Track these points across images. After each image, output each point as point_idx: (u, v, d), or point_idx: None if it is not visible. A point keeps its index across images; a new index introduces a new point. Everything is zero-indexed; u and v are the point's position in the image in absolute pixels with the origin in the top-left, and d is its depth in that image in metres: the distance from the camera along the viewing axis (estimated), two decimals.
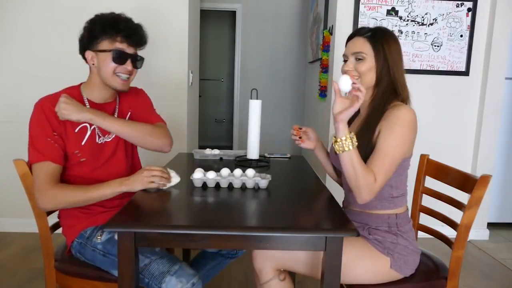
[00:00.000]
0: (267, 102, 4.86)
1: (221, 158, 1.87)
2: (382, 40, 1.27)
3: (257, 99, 1.73)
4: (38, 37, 2.65)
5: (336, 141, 1.18)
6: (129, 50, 1.40)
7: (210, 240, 1.04)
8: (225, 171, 1.38)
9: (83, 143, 1.38)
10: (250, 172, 1.37)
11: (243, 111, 5.28)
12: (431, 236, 1.50)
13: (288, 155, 1.99)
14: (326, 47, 3.00)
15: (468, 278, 2.33)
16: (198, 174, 1.34)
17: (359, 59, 1.28)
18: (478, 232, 2.92)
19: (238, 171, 1.37)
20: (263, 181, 1.34)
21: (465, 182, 1.35)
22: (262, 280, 1.34)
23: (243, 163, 1.74)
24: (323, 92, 3.10)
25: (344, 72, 1.31)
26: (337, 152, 1.18)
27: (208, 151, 1.88)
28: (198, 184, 1.35)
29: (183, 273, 1.19)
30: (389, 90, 1.29)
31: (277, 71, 5.20)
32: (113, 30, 1.35)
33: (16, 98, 2.67)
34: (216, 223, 1.05)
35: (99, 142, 1.42)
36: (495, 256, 2.65)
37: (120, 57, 1.37)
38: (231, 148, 5.60)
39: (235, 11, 5.20)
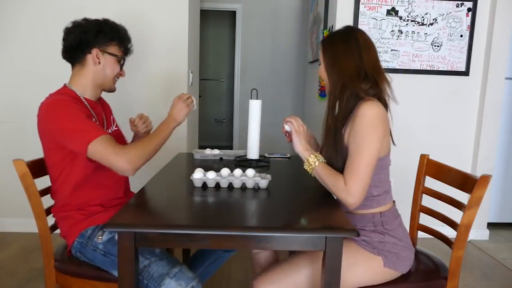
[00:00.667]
0: (267, 102, 4.86)
1: (221, 158, 1.87)
2: (329, 45, 1.35)
3: (257, 99, 1.73)
4: (38, 37, 2.65)
5: (304, 164, 1.30)
6: (123, 57, 1.51)
7: (210, 240, 1.04)
8: (225, 171, 1.38)
9: None
10: (250, 172, 1.37)
11: (243, 111, 5.28)
12: (431, 236, 1.50)
13: (288, 155, 2.00)
14: None
15: (468, 278, 2.33)
16: (198, 174, 1.34)
17: (319, 64, 1.41)
18: (478, 232, 2.92)
19: (238, 171, 1.37)
20: (263, 181, 1.34)
21: (465, 182, 1.35)
22: None
23: (243, 163, 1.74)
24: (323, 92, 3.10)
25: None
26: (309, 172, 1.29)
27: (208, 151, 1.89)
28: (198, 184, 1.35)
29: (183, 276, 1.19)
30: (340, 86, 1.29)
31: (277, 71, 5.20)
32: (121, 39, 1.47)
33: (16, 98, 2.67)
34: (216, 223, 1.05)
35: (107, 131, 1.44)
36: (495, 256, 2.66)
37: (122, 63, 1.50)
38: (231, 148, 5.61)
39: (235, 11, 5.20)
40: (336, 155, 1.26)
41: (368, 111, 1.20)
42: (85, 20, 1.45)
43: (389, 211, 1.32)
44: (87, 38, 1.41)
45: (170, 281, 1.17)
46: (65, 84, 1.47)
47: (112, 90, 1.51)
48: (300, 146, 1.33)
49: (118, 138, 1.54)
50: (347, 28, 1.36)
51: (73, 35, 1.44)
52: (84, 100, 1.43)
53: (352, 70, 1.28)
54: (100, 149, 1.25)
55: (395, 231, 1.30)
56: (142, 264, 1.22)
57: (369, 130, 1.19)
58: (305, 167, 1.30)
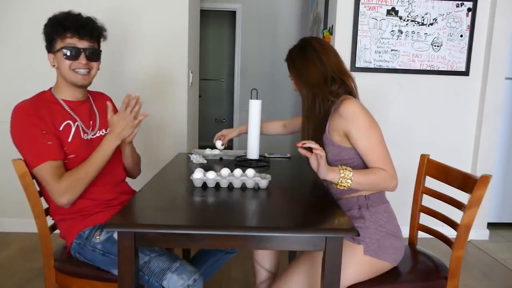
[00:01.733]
0: (267, 102, 4.85)
1: (221, 158, 1.87)
2: (290, 59, 1.45)
3: (257, 99, 1.73)
4: (38, 38, 2.63)
5: (338, 185, 1.25)
6: (81, 44, 1.39)
7: (210, 240, 1.04)
8: (225, 171, 1.38)
9: (69, 139, 1.38)
10: (250, 172, 1.37)
11: (243, 111, 5.28)
12: (431, 236, 1.50)
13: (288, 155, 1.99)
14: None
15: (468, 278, 2.32)
16: (198, 174, 1.34)
17: (291, 80, 1.48)
18: (478, 232, 2.92)
19: (238, 171, 1.37)
20: (263, 181, 1.34)
21: (465, 182, 1.35)
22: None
23: (243, 163, 1.74)
24: None
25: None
26: (347, 187, 1.25)
27: (208, 151, 1.89)
28: (198, 184, 1.35)
29: (184, 270, 1.19)
30: (313, 91, 1.37)
31: (277, 71, 5.19)
32: (61, 28, 1.36)
33: (16, 99, 2.66)
34: (216, 223, 1.05)
35: (85, 138, 1.43)
36: (495, 256, 2.65)
37: (71, 53, 1.37)
38: (231, 148, 5.60)
39: (235, 11, 5.19)
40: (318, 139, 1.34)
41: (352, 108, 1.28)
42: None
43: (375, 195, 1.33)
44: (46, 48, 1.43)
45: (172, 275, 1.17)
46: (51, 88, 1.48)
47: (79, 83, 1.41)
48: (325, 170, 1.22)
49: None
50: (301, 41, 1.46)
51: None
52: (60, 101, 1.43)
53: (317, 78, 1.36)
54: (40, 177, 1.29)
55: (378, 215, 1.31)
56: (143, 260, 1.22)
57: (367, 122, 1.28)
58: (343, 184, 1.23)
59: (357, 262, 1.26)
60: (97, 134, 1.48)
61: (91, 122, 1.48)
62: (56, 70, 1.43)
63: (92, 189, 1.39)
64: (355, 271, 1.26)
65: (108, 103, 1.40)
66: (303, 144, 1.21)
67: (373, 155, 1.27)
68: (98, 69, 1.47)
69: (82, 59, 1.39)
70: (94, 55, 1.43)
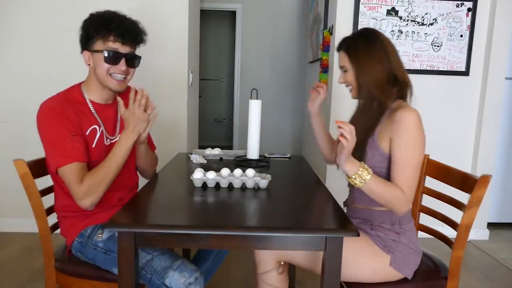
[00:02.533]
0: (267, 102, 4.86)
1: (221, 158, 1.87)
2: (355, 50, 1.33)
3: (257, 99, 1.73)
4: (37, 37, 2.65)
5: (350, 179, 1.21)
6: (123, 49, 1.36)
7: (210, 240, 1.04)
8: (225, 171, 1.38)
9: (93, 145, 1.37)
10: (250, 172, 1.37)
11: (243, 111, 5.28)
12: (431, 236, 1.50)
13: (288, 155, 2.00)
14: (326, 47, 3.00)
15: (468, 278, 2.33)
16: (198, 174, 1.34)
17: (345, 71, 1.38)
18: (478, 232, 2.92)
19: (238, 171, 1.37)
20: (263, 181, 1.34)
21: (465, 182, 1.35)
22: (260, 270, 1.36)
23: (243, 163, 1.74)
24: None
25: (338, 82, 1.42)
26: (359, 186, 1.21)
27: (208, 151, 1.89)
28: (198, 184, 1.35)
29: (186, 268, 1.20)
30: (374, 91, 1.30)
31: (277, 71, 5.20)
32: (105, 30, 1.32)
33: (16, 98, 2.67)
34: (216, 223, 1.05)
35: (107, 144, 1.42)
36: (495, 256, 2.65)
37: (112, 57, 1.34)
38: (231, 148, 5.61)
39: (235, 11, 5.20)
40: (360, 153, 1.27)
41: (411, 118, 1.22)
42: (82, 22, 1.39)
43: (406, 213, 1.33)
44: (81, 44, 1.39)
45: (174, 273, 1.18)
46: (82, 82, 1.45)
47: (114, 88, 1.39)
48: (344, 158, 1.17)
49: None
50: (365, 30, 1.37)
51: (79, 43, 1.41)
52: (88, 102, 1.41)
53: (381, 75, 1.30)
54: (65, 178, 1.27)
55: (410, 233, 1.32)
56: (145, 259, 1.23)
57: (416, 138, 1.23)
58: (355, 181, 1.20)
59: (377, 268, 1.27)
60: (117, 138, 1.45)
61: (115, 127, 1.46)
62: (90, 69, 1.39)
63: (106, 194, 1.37)
64: (371, 274, 1.27)
65: (119, 98, 1.36)
66: (341, 123, 1.13)
67: (400, 171, 1.21)
68: (133, 75, 1.44)
69: (122, 65, 1.36)
70: (133, 61, 1.40)
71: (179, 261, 1.21)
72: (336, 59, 3.00)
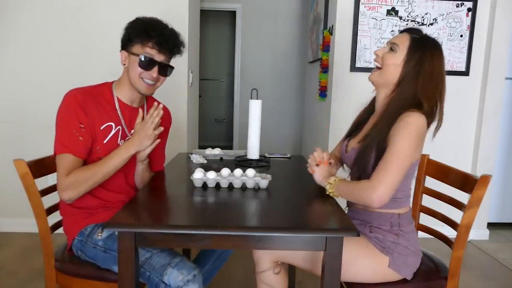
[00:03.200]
0: (267, 102, 4.86)
1: (221, 158, 1.87)
2: (424, 47, 1.25)
3: (257, 99, 1.73)
4: (37, 38, 2.65)
5: (327, 189, 1.29)
6: (159, 57, 1.40)
7: (210, 240, 1.04)
8: (225, 171, 1.38)
9: (105, 141, 1.39)
10: (250, 172, 1.37)
11: (243, 111, 5.28)
12: (431, 236, 1.50)
13: (288, 155, 1.99)
14: (326, 47, 3.00)
15: (468, 278, 2.33)
16: (198, 174, 1.34)
17: (392, 50, 1.28)
18: (478, 232, 2.92)
19: (238, 171, 1.37)
20: (263, 181, 1.34)
21: (465, 182, 1.35)
22: (258, 269, 1.37)
23: (243, 163, 1.74)
24: (323, 92, 3.10)
25: (375, 53, 1.33)
26: (333, 193, 1.27)
27: (208, 151, 1.89)
28: (198, 184, 1.35)
29: (184, 265, 1.20)
30: (411, 99, 1.24)
31: (277, 71, 5.20)
32: (145, 35, 1.37)
33: (16, 98, 2.67)
34: (216, 223, 1.05)
35: (120, 144, 1.43)
36: (495, 256, 2.65)
37: (146, 63, 1.38)
38: (231, 148, 5.61)
39: (235, 11, 5.19)
40: (376, 148, 1.24)
41: (412, 120, 1.19)
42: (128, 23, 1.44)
43: (406, 214, 1.33)
44: (121, 43, 1.43)
45: (172, 270, 1.18)
46: (114, 81, 1.49)
47: (142, 91, 1.42)
48: (320, 175, 1.34)
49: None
50: (439, 44, 1.29)
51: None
52: (115, 99, 1.44)
53: (435, 88, 1.28)
54: (57, 165, 1.31)
55: (410, 235, 1.31)
56: (144, 256, 1.23)
57: (409, 139, 1.18)
58: (329, 190, 1.27)
59: (376, 269, 1.27)
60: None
61: (132, 131, 1.46)
62: (124, 68, 1.44)
63: (102, 192, 1.40)
64: (370, 275, 1.27)
65: (140, 110, 1.40)
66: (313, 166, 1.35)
67: (382, 161, 1.18)
68: (163, 82, 1.47)
69: (154, 72, 1.40)
70: (166, 70, 1.44)
71: (177, 258, 1.22)
72: (336, 59, 3.00)
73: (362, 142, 1.31)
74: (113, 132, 1.41)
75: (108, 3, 2.63)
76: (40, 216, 1.35)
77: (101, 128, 1.38)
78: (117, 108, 1.43)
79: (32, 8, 2.62)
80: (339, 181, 1.27)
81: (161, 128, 1.37)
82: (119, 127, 1.43)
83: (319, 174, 1.35)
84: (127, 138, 1.45)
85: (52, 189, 1.46)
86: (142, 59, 1.37)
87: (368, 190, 1.16)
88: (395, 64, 1.26)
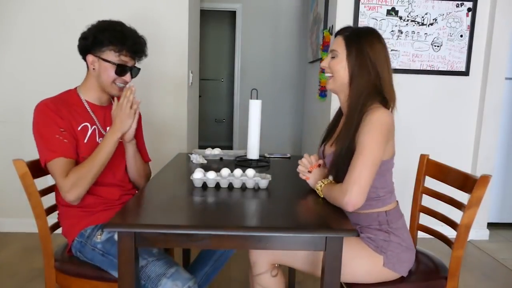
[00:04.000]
0: (267, 102, 4.86)
1: (221, 158, 1.87)
2: (357, 40, 1.27)
3: (257, 99, 1.73)
4: (37, 38, 2.65)
5: (317, 192, 1.31)
6: (131, 63, 1.45)
7: (210, 240, 1.04)
8: (225, 171, 1.38)
9: (85, 140, 1.40)
10: (250, 172, 1.37)
11: (243, 111, 5.28)
12: (431, 236, 1.50)
13: (288, 155, 1.99)
14: (326, 47, 3.00)
15: (468, 278, 2.33)
16: (198, 174, 1.34)
17: (333, 57, 1.32)
18: (478, 232, 2.92)
19: (238, 171, 1.37)
20: (263, 181, 1.34)
21: (465, 182, 1.35)
22: (254, 271, 1.36)
23: (243, 163, 1.74)
24: (323, 92, 3.10)
25: (321, 67, 1.38)
26: (322, 195, 1.29)
27: (208, 151, 1.89)
28: (198, 184, 1.35)
29: (179, 276, 1.19)
30: (367, 88, 1.27)
31: (277, 71, 5.20)
32: (120, 44, 1.40)
33: (16, 98, 2.67)
34: (216, 223, 1.05)
35: (99, 142, 1.43)
36: (495, 256, 2.65)
37: (122, 70, 1.43)
38: (231, 148, 5.61)
39: (235, 11, 5.20)
40: (346, 149, 1.25)
41: (377, 115, 1.20)
42: (93, 24, 1.44)
43: (393, 210, 1.33)
44: (85, 45, 1.42)
45: (167, 281, 1.18)
46: (77, 86, 1.50)
47: (115, 94, 1.46)
48: (313, 181, 1.36)
49: (122, 146, 1.49)
50: (373, 30, 1.31)
51: (80, 40, 1.44)
52: (84, 102, 1.45)
53: (384, 73, 1.27)
54: (52, 172, 1.32)
55: (400, 231, 1.31)
56: (140, 264, 1.22)
57: (373, 136, 1.18)
58: (319, 193, 1.30)
59: (372, 269, 1.27)
60: None
61: (108, 128, 1.48)
62: (91, 72, 1.44)
63: (96, 188, 1.41)
64: (366, 275, 1.27)
65: (116, 98, 1.43)
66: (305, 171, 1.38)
67: (352, 163, 1.19)
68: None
69: (128, 77, 1.45)
70: (136, 73, 1.50)
71: (173, 268, 1.21)
72: None
73: (335, 145, 1.32)
74: (90, 131, 1.42)
75: (108, 4, 2.63)
76: (39, 216, 1.35)
77: (79, 128, 1.39)
78: (88, 109, 1.45)
79: (31, 9, 2.62)
80: (325, 186, 1.27)
81: (138, 101, 1.41)
82: (94, 126, 1.44)
83: (313, 179, 1.36)
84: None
85: (51, 189, 1.46)
86: (118, 67, 1.41)
87: (340, 194, 1.17)
88: (342, 67, 1.29)
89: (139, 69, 1.51)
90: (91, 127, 1.43)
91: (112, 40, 1.39)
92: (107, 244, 1.32)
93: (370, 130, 1.19)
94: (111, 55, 1.40)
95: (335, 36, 1.36)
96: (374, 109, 1.23)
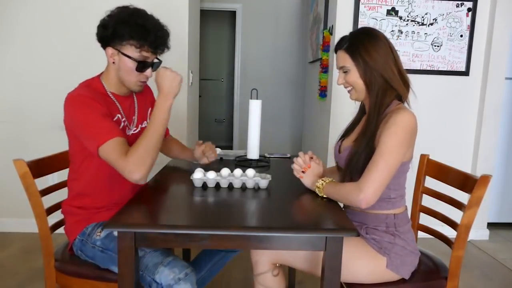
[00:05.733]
0: (267, 102, 4.86)
1: (221, 158, 1.87)
2: (359, 47, 1.29)
3: (257, 99, 1.73)
4: (38, 37, 2.65)
5: (316, 190, 1.31)
6: (151, 58, 1.39)
7: (210, 240, 1.04)
8: (225, 171, 1.38)
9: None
10: (250, 172, 1.37)
11: (243, 111, 5.28)
12: (431, 236, 1.50)
13: (288, 155, 1.99)
14: (326, 47, 3.00)
15: (468, 278, 2.33)
16: (198, 174, 1.34)
17: (345, 72, 1.34)
18: (478, 232, 2.92)
19: (238, 171, 1.37)
20: (263, 181, 1.34)
21: (465, 182, 1.35)
22: (256, 271, 1.36)
23: (243, 163, 1.74)
24: (323, 92, 3.10)
25: (338, 83, 1.38)
26: (321, 194, 1.29)
27: None
28: (198, 184, 1.35)
29: (176, 264, 1.19)
30: (382, 91, 1.29)
31: (277, 71, 5.20)
32: (142, 39, 1.32)
33: (16, 98, 2.67)
34: (216, 223, 1.05)
35: (129, 134, 1.43)
36: (495, 256, 2.65)
37: (143, 66, 1.36)
38: (231, 148, 5.60)
39: (235, 11, 5.19)
40: (365, 150, 1.26)
41: (403, 118, 1.20)
42: (113, 11, 1.35)
43: (402, 215, 1.33)
44: (105, 35, 1.34)
45: (164, 269, 1.18)
46: (99, 74, 1.44)
47: (135, 90, 1.42)
48: (308, 180, 1.36)
49: None
50: (367, 29, 1.34)
51: (99, 28, 1.36)
52: (110, 94, 1.40)
53: (391, 72, 1.29)
54: (108, 154, 1.24)
55: (406, 235, 1.31)
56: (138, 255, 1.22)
57: (397, 138, 1.19)
58: (317, 192, 1.30)
59: (374, 270, 1.27)
60: (137, 130, 1.47)
61: (133, 117, 1.47)
62: (112, 66, 1.38)
63: (112, 184, 1.38)
64: (368, 275, 1.27)
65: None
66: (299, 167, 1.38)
67: (371, 162, 1.20)
68: None
69: (149, 72, 1.40)
70: (157, 67, 1.43)
71: (170, 257, 1.21)
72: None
73: (355, 142, 1.32)
74: (122, 124, 1.40)
75: (108, 3, 2.62)
76: (40, 216, 1.34)
77: (114, 119, 1.36)
78: (115, 101, 1.41)
79: (32, 8, 2.62)
80: (327, 184, 1.27)
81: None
82: (124, 119, 1.42)
83: (307, 179, 1.36)
84: (134, 129, 1.46)
85: (52, 189, 1.46)
86: (138, 63, 1.34)
87: (355, 191, 1.18)
88: (357, 77, 1.31)
89: (160, 61, 1.44)
90: (122, 119, 1.40)
91: (133, 35, 1.31)
92: (106, 240, 1.32)
93: (395, 132, 1.19)
94: (132, 50, 1.33)
95: (336, 51, 1.38)
96: (398, 110, 1.24)
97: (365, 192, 1.16)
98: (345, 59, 1.32)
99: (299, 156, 1.40)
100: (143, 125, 1.50)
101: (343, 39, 1.35)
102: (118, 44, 1.33)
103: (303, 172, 1.38)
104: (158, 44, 1.37)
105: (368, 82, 1.30)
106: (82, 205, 1.39)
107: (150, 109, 1.55)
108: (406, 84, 1.33)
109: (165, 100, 1.33)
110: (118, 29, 1.31)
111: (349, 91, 1.38)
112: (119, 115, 1.39)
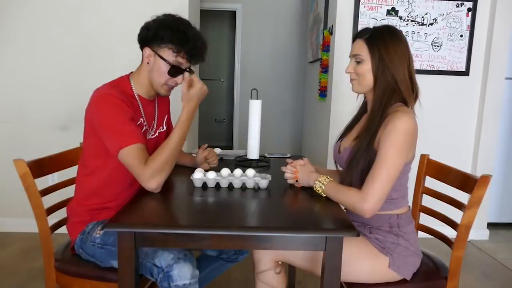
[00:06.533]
0: (267, 102, 4.85)
1: (221, 158, 1.87)
2: (378, 41, 1.27)
3: (257, 99, 1.73)
4: (38, 38, 2.65)
5: (314, 187, 1.31)
6: (185, 65, 1.41)
7: (210, 240, 1.04)
8: (225, 171, 1.38)
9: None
10: (250, 172, 1.37)
11: (243, 111, 5.28)
12: (431, 236, 1.50)
13: (288, 155, 1.99)
14: (326, 47, 3.00)
15: (468, 278, 2.33)
16: (198, 174, 1.34)
17: (358, 61, 1.31)
18: (478, 232, 2.92)
19: (238, 171, 1.37)
20: (263, 181, 1.34)
21: (465, 182, 1.35)
22: (258, 269, 1.36)
23: (243, 163, 1.74)
24: (323, 92, 3.10)
25: (346, 72, 1.35)
26: (320, 192, 1.29)
27: None
28: (198, 184, 1.35)
29: (175, 248, 1.20)
30: (389, 91, 1.27)
31: (277, 71, 5.20)
32: (180, 45, 1.35)
33: (16, 98, 2.67)
34: (216, 223, 1.05)
35: (148, 138, 1.44)
36: (495, 256, 2.66)
37: (175, 71, 1.39)
38: (231, 148, 5.60)
39: (235, 11, 5.19)
40: (365, 150, 1.25)
41: (402, 124, 1.19)
42: (159, 16, 1.41)
43: (405, 215, 1.33)
44: (146, 36, 1.38)
45: (163, 252, 1.19)
46: (130, 74, 1.45)
47: (162, 94, 1.44)
48: (304, 178, 1.35)
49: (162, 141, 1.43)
50: (393, 28, 1.32)
51: (142, 29, 1.40)
52: (136, 97, 1.41)
53: (405, 71, 1.27)
54: (128, 159, 1.25)
55: (409, 236, 1.31)
56: None
57: (396, 144, 1.19)
58: (316, 188, 1.29)
59: (376, 269, 1.27)
60: (155, 135, 1.49)
61: (153, 122, 1.48)
62: (145, 66, 1.40)
63: (123, 184, 1.38)
64: (369, 275, 1.27)
65: (187, 73, 1.43)
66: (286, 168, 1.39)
67: (374, 170, 1.19)
68: None
69: (180, 79, 1.42)
70: (187, 73, 1.45)
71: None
72: (336, 59, 3.00)
73: (355, 141, 1.31)
74: (144, 128, 1.41)
75: (109, 4, 2.63)
76: (40, 216, 1.34)
77: (138, 123, 1.38)
78: (139, 105, 1.42)
79: (32, 9, 2.61)
80: (330, 183, 1.27)
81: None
82: (146, 123, 1.43)
83: (302, 178, 1.36)
84: (153, 133, 1.48)
85: (52, 189, 1.46)
86: (172, 67, 1.37)
87: (360, 201, 1.18)
88: (368, 70, 1.29)
89: (193, 71, 1.46)
90: (143, 123, 1.41)
91: (173, 39, 1.34)
92: (104, 236, 1.33)
93: (396, 140, 1.18)
94: (168, 54, 1.36)
95: (354, 39, 1.35)
96: (399, 113, 1.22)
97: (369, 203, 1.17)
98: (362, 48, 1.29)
99: (287, 168, 1.41)
100: (161, 130, 1.53)
101: (366, 29, 1.33)
102: (157, 46, 1.36)
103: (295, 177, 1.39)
104: (194, 53, 1.40)
105: (377, 77, 1.28)
106: (89, 207, 1.39)
107: (166, 116, 1.59)
108: (414, 91, 1.31)
109: (189, 117, 1.36)
110: (159, 31, 1.35)
111: (352, 81, 1.35)
112: (141, 119, 1.41)
